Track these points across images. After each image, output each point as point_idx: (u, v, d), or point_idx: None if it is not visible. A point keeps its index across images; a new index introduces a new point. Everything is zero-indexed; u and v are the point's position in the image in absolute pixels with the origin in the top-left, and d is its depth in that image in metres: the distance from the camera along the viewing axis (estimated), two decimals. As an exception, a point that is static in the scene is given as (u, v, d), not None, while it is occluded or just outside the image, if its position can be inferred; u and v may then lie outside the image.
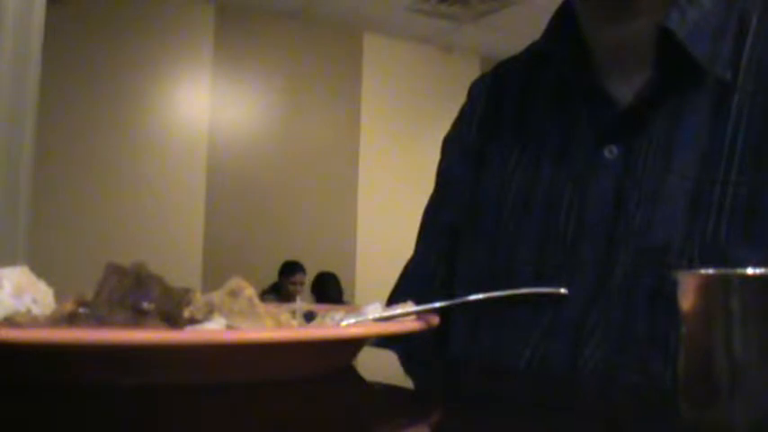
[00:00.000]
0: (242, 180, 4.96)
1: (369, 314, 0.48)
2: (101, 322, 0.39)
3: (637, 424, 0.40)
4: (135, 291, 0.40)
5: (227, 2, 4.91)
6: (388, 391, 0.48)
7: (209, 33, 4.93)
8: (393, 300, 0.72)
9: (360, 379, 0.51)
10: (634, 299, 0.56)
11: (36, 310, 0.42)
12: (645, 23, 0.61)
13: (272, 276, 4.59)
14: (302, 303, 0.53)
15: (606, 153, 0.61)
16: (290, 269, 4.56)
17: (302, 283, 4.58)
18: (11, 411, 0.35)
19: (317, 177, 5.22)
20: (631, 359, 0.56)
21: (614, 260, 0.58)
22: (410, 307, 0.49)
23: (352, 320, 0.48)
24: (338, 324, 0.47)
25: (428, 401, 0.46)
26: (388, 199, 5.34)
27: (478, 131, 0.74)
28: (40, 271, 0.47)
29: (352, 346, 0.47)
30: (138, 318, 0.39)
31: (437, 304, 0.50)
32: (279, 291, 4.46)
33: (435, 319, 0.49)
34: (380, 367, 0.59)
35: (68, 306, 0.41)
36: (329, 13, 5.07)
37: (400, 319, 0.48)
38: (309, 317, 0.50)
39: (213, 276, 4.57)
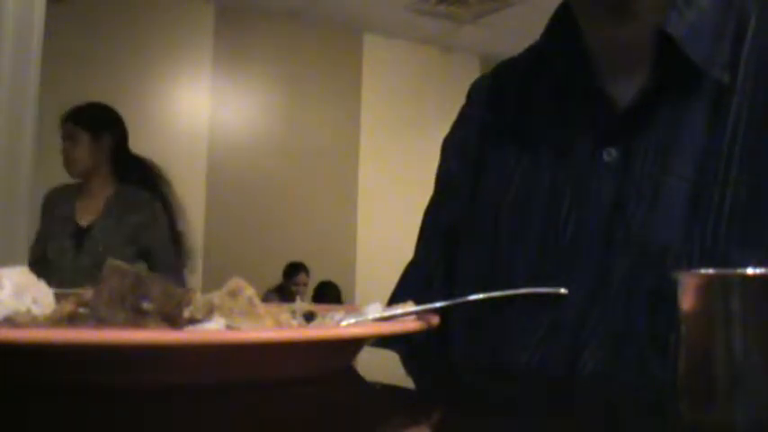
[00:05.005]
0: (242, 180, 4.95)
1: (369, 314, 0.48)
2: (101, 322, 0.39)
3: (637, 424, 0.40)
4: (135, 291, 0.40)
5: (226, 2, 4.91)
6: (388, 391, 0.48)
7: (209, 33, 4.93)
8: (393, 301, 0.72)
9: (360, 379, 0.51)
10: (633, 300, 0.56)
11: (36, 310, 0.42)
12: (643, 25, 0.61)
13: (275, 277, 4.58)
14: (302, 303, 0.52)
15: (605, 155, 0.61)
16: (293, 270, 4.58)
17: (305, 284, 4.59)
18: (11, 411, 0.35)
19: (317, 177, 5.21)
20: (631, 360, 0.56)
21: (613, 262, 0.58)
22: (410, 307, 0.49)
23: (352, 320, 0.48)
24: (338, 324, 0.47)
25: (428, 401, 0.46)
26: (387, 199, 5.34)
27: (478, 133, 0.74)
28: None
29: (352, 346, 0.47)
30: (138, 318, 0.39)
31: (437, 304, 0.50)
32: (283, 291, 4.47)
33: (435, 319, 0.49)
34: (380, 367, 0.59)
35: (68, 306, 0.41)
36: (329, 13, 5.07)
37: (400, 319, 0.48)
38: (309, 317, 0.50)
39: (213, 276, 4.56)
